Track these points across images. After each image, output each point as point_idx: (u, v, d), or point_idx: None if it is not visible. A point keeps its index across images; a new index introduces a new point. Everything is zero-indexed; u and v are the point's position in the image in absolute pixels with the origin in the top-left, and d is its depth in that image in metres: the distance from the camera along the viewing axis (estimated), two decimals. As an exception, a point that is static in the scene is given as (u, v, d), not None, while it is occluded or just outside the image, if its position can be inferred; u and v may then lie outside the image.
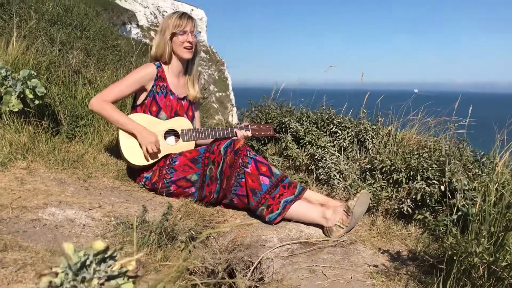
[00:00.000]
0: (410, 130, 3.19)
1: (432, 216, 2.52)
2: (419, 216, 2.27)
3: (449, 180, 2.52)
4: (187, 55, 3.08)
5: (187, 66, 3.21)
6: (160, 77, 3.08)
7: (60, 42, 4.46)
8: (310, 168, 3.37)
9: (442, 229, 2.06)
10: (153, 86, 3.07)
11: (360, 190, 2.78)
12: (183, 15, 3.06)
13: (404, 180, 2.79)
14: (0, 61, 3.56)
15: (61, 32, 4.80)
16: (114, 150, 3.58)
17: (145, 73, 3.04)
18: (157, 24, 29.29)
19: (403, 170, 2.78)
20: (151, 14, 28.56)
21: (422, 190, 2.56)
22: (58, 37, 4.29)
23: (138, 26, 26.59)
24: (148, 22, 28.05)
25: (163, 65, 3.11)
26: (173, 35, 3.02)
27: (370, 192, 2.76)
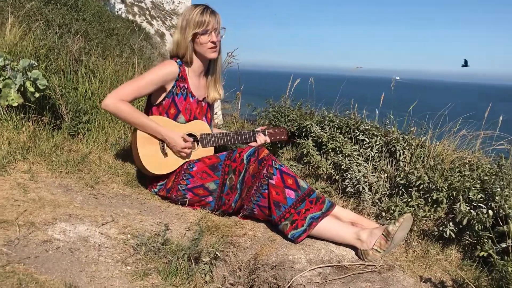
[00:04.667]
0: (447, 143, 2.95)
1: (476, 244, 2.33)
2: (483, 253, 2.06)
3: (499, 204, 2.32)
4: (211, 55, 2.78)
5: (209, 66, 2.92)
6: (181, 77, 2.78)
7: (57, 25, 4.10)
8: (333, 177, 3.14)
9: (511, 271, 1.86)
10: (173, 86, 2.76)
11: (401, 212, 2.57)
12: (205, 11, 2.70)
13: (444, 201, 2.58)
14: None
15: (57, 13, 4.42)
16: (121, 149, 3.29)
17: (167, 72, 2.72)
18: (141, 0, 28.44)
19: (444, 190, 2.56)
20: (135, -12, 27.60)
21: (469, 215, 2.35)
22: (57, 20, 3.91)
23: (123, 1, 25.92)
24: (132, -3, 27.08)
25: (184, 64, 2.80)
26: (194, 35, 2.72)
27: (409, 212, 2.55)
